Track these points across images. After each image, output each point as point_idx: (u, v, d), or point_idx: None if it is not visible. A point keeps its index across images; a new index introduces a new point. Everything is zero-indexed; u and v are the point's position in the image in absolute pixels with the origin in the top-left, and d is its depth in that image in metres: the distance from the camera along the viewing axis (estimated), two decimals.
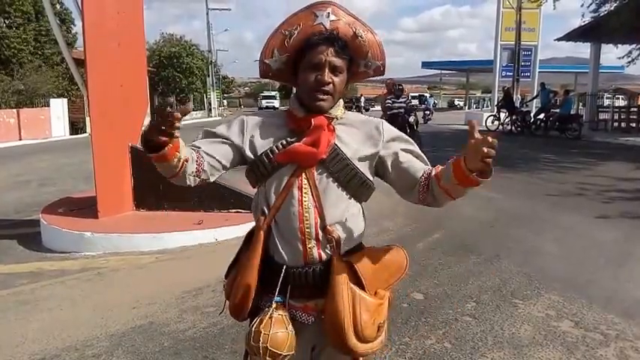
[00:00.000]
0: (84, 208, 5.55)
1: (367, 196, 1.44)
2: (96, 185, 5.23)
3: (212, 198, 5.48)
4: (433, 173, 1.35)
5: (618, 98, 35.90)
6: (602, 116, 19.02)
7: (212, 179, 1.43)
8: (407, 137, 1.45)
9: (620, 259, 4.26)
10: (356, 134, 1.40)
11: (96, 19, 5.08)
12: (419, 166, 1.40)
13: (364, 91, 57.67)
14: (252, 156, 1.39)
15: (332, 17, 1.34)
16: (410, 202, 1.45)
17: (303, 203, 1.33)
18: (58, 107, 21.22)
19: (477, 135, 1.16)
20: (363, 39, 1.36)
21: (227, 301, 1.45)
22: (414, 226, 5.38)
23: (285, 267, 1.35)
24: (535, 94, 19.27)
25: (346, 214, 1.37)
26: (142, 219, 5.33)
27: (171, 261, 4.48)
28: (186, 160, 1.32)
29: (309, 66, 1.32)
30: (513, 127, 17.07)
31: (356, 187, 1.38)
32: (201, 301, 3.49)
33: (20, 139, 18.55)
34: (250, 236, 1.43)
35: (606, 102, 28.15)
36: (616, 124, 18.12)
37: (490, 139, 1.14)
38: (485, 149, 1.13)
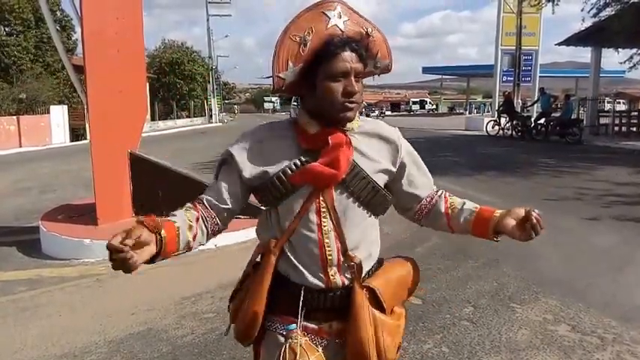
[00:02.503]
0: (83, 214, 5.57)
1: (385, 210, 1.36)
2: (95, 192, 5.24)
3: None
4: (442, 208, 1.36)
5: (620, 103, 35.84)
6: (602, 121, 18.98)
7: (228, 224, 1.35)
8: (416, 154, 1.40)
9: (619, 263, 4.26)
10: (375, 146, 1.30)
11: (95, 26, 5.11)
12: (422, 190, 1.38)
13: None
14: (261, 180, 1.26)
15: (344, 17, 1.22)
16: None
17: (322, 228, 1.23)
18: (59, 114, 21.29)
19: (534, 215, 1.22)
20: (374, 38, 1.26)
21: (232, 325, 1.37)
22: (413, 231, 5.38)
23: (303, 288, 1.25)
24: (535, 98, 19.30)
25: (366, 233, 1.30)
26: None
27: (170, 267, 4.48)
28: (193, 238, 1.23)
29: (333, 75, 1.18)
30: (514, 132, 17.12)
31: (377, 204, 1.30)
32: (200, 307, 3.50)
33: (20, 146, 18.60)
34: (257, 259, 1.33)
35: (607, 106, 28.14)
36: (617, 128, 18.09)
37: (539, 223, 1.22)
38: (533, 233, 1.22)
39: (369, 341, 1.22)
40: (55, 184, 9.43)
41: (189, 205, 1.29)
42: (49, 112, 21.16)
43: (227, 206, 1.29)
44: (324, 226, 1.23)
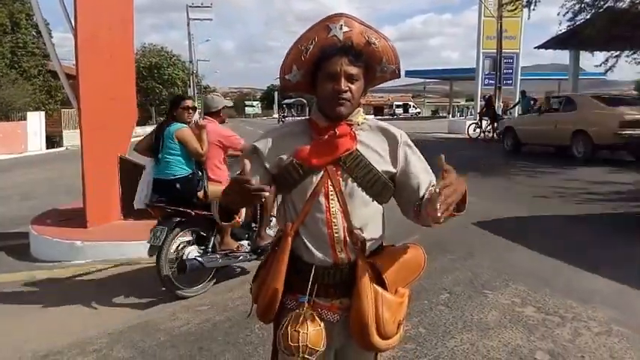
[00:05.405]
0: (70, 219, 5.67)
1: (388, 198, 1.50)
2: (85, 195, 5.36)
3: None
4: (427, 195, 1.40)
5: None
6: None
7: None
8: (417, 150, 1.51)
9: (586, 254, 4.48)
10: (377, 139, 1.47)
11: (89, 34, 5.26)
12: (423, 184, 1.44)
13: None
14: (278, 167, 1.45)
15: (345, 29, 1.41)
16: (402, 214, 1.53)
17: (330, 210, 1.39)
18: (35, 121, 20.88)
19: (446, 181, 1.20)
20: (377, 45, 1.43)
21: (254, 305, 1.51)
22: (395, 228, 5.61)
23: (314, 267, 1.41)
24: (517, 101, 19.59)
25: (370, 216, 1.44)
26: (130, 227, 5.47)
27: None
28: None
29: (326, 76, 1.39)
30: (495, 134, 17.34)
31: (379, 191, 1.44)
32: (193, 301, 3.69)
33: None
34: (278, 242, 1.48)
35: None
36: None
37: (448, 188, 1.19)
38: (444, 203, 1.18)
39: (369, 312, 1.36)
40: (34, 191, 9.40)
41: None
42: (25, 119, 20.77)
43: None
44: (332, 208, 1.40)
